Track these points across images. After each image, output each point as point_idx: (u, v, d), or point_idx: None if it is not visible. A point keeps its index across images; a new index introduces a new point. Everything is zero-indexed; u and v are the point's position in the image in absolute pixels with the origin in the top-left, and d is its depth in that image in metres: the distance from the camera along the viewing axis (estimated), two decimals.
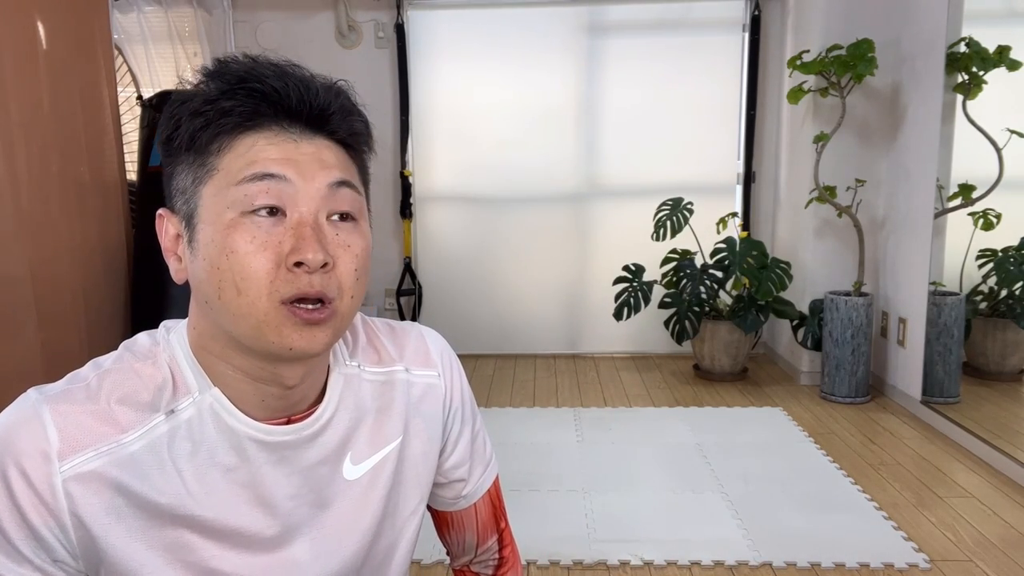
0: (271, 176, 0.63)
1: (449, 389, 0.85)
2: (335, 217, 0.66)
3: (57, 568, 0.65)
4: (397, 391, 0.80)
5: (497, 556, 0.95)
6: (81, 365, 0.71)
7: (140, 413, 0.67)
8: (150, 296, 3.72)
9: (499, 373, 4.01)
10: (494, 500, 0.93)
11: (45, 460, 0.63)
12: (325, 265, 0.64)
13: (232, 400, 0.69)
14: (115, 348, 0.73)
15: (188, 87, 0.67)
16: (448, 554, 0.97)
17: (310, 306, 0.64)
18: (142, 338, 0.73)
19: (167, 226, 0.69)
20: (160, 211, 0.70)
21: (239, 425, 0.69)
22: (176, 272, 0.70)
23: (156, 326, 0.75)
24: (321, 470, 0.74)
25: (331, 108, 0.67)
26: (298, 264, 0.63)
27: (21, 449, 0.63)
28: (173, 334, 0.72)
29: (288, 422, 0.72)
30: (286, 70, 0.66)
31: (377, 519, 0.78)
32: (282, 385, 0.69)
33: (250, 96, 0.64)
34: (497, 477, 0.94)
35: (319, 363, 0.74)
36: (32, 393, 0.67)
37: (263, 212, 0.63)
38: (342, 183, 0.67)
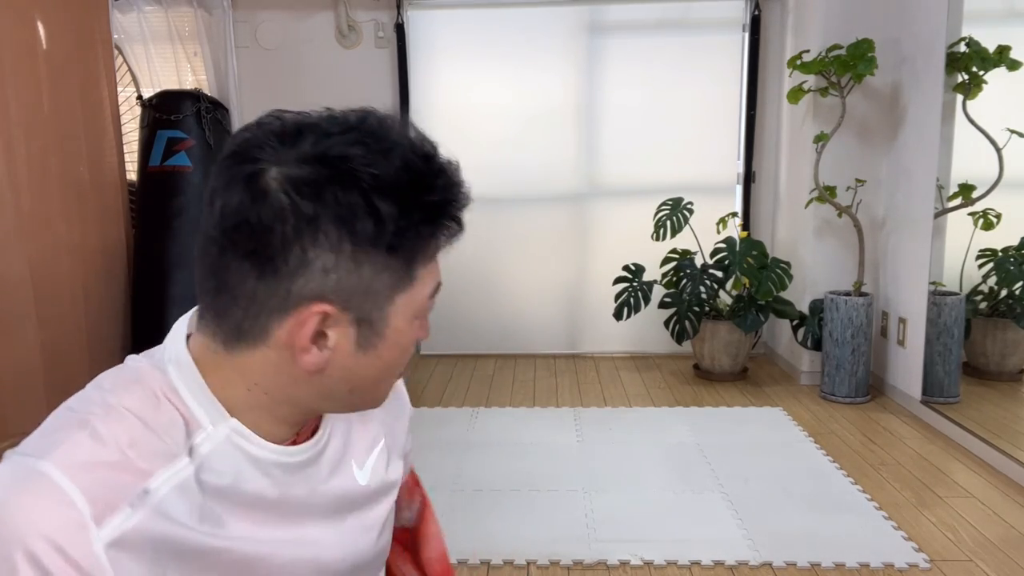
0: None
1: (404, 391, 0.90)
2: None
3: None
4: None
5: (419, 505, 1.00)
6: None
7: (157, 455, 0.60)
8: (150, 296, 3.73)
9: (499, 373, 4.01)
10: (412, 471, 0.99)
11: (81, 529, 0.55)
12: None
13: (250, 427, 0.66)
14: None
15: (385, 170, 0.58)
16: None
17: None
18: (109, 380, 0.64)
19: (312, 324, 0.60)
20: (318, 309, 0.59)
21: (262, 452, 0.65)
22: (315, 363, 0.62)
23: (156, 326, 0.75)
24: (336, 481, 0.74)
25: None
26: None
27: (48, 525, 0.54)
28: (171, 367, 0.64)
29: (293, 442, 0.71)
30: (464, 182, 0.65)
31: (383, 516, 0.81)
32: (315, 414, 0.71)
33: (460, 223, 0.64)
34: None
35: None
36: (19, 458, 0.57)
37: None
38: None
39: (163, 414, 0.61)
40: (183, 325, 0.67)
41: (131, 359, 0.67)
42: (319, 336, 0.61)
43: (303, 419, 0.68)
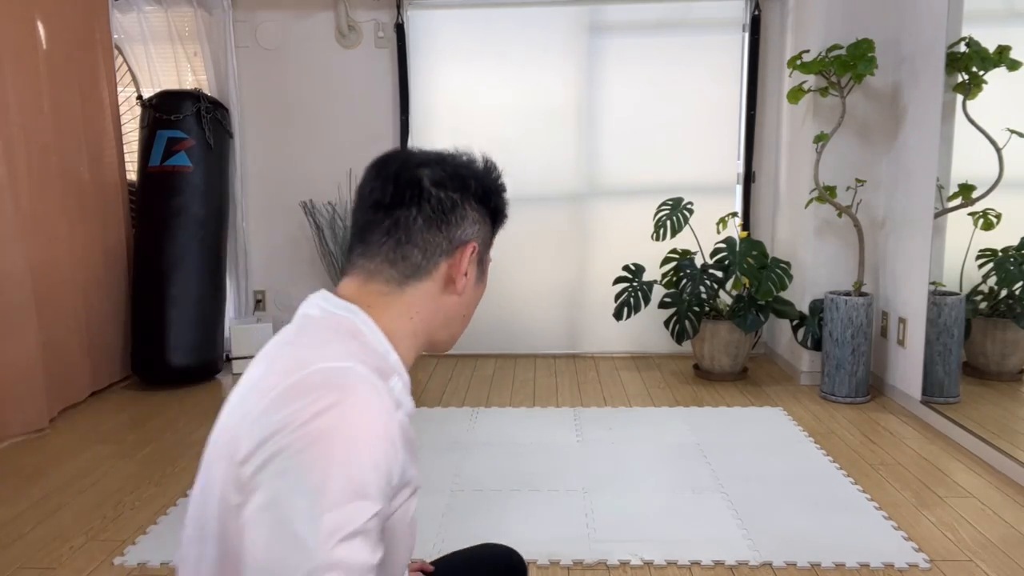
0: None
1: None
2: None
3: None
4: None
5: None
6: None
7: (384, 370, 0.82)
8: (150, 296, 3.72)
9: (499, 373, 4.01)
10: None
11: (393, 411, 0.77)
12: None
13: (402, 357, 0.89)
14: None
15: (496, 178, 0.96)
16: None
17: None
18: (308, 327, 0.85)
19: (468, 256, 0.91)
20: (472, 245, 0.91)
21: (408, 381, 0.88)
22: (462, 286, 0.92)
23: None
24: None
25: None
26: None
27: (380, 406, 0.75)
28: (349, 315, 0.86)
29: None
30: None
31: None
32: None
33: (506, 215, 0.99)
34: None
35: None
36: (329, 365, 0.77)
37: None
38: None
39: (368, 344, 0.84)
40: (323, 295, 0.89)
41: (287, 328, 0.88)
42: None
43: (420, 353, 0.93)
